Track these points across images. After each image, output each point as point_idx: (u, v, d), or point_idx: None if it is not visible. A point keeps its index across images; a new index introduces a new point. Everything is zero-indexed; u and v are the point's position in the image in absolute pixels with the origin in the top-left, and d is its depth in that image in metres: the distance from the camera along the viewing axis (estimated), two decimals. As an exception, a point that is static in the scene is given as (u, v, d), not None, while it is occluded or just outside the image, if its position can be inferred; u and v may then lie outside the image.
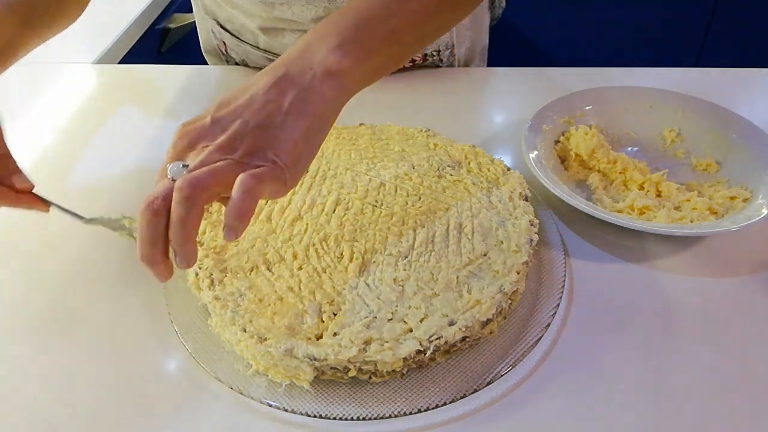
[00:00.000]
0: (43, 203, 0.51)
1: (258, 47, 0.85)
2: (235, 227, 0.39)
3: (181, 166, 0.41)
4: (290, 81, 0.43)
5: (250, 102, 0.42)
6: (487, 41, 0.94)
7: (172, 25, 1.26)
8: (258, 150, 0.41)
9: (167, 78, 0.88)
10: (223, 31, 0.87)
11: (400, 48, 0.49)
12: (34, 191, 0.50)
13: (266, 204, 0.56)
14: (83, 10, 0.63)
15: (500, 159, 0.61)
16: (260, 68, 0.86)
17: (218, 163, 0.40)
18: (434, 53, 0.84)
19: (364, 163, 0.60)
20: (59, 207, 0.51)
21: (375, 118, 0.68)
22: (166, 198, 0.40)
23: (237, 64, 0.91)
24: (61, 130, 0.79)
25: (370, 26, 0.46)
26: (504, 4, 0.98)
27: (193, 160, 0.42)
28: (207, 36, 0.92)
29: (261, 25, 0.80)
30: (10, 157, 0.50)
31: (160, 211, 0.40)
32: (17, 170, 0.50)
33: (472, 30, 0.87)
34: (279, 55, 0.70)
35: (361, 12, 0.46)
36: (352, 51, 0.44)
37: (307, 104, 0.42)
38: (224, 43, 0.89)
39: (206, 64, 0.98)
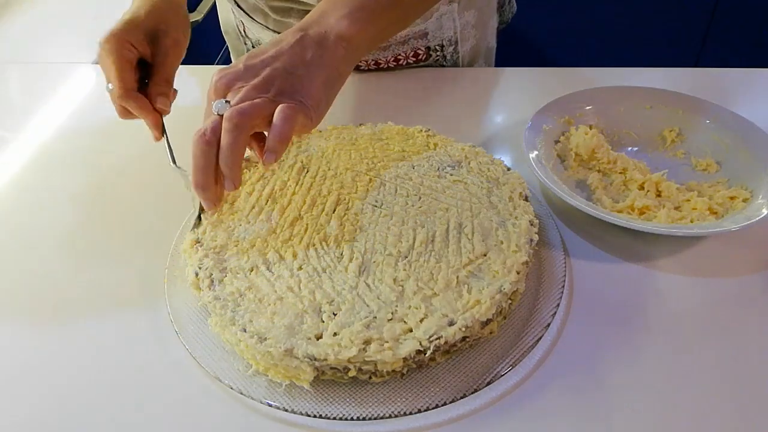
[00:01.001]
0: (160, 132, 0.61)
1: (268, 27, 0.86)
2: (276, 149, 0.46)
3: (224, 102, 0.48)
4: (310, 40, 0.50)
5: (278, 54, 0.50)
6: (495, 43, 0.94)
7: (172, 25, 1.26)
8: (287, 92, 0.48)
9: (167, 78, 0.88)
10: (239, 10, 0.89)
11: (402, 11, 0.57)
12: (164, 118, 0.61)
13: (266, 204, 0.56)
14: None
15: (500, 159, 0.61)
16: None
17: (256, 100, 0.47)
18: (437, 47, 0.84)
19: (364, 163, 0.60)
20: (168, 144, 0.60)
21: (375, 118, 0.68)
22: (215, 129, 0.47)
23: (254, 46, 0.92)
24: (61, 130, 0.79)
25: None
26: (515, 9, 0.98)
27: (231, 98, 0.48)
28: (227, 16, 0.95)
29: (270, 3, 0.82)
30: (170, 84, 0.62)
31: (211, 140, 0.47)
32: (164, 94, 0.60)
33: (477, 29, 0.87)
34: None
35: None
36: (360, 17, 0.52)
37: (324, 59, 0.50)
38: (242, 23, 0.91)
39: (207, 62, 0.98)
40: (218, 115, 0.47)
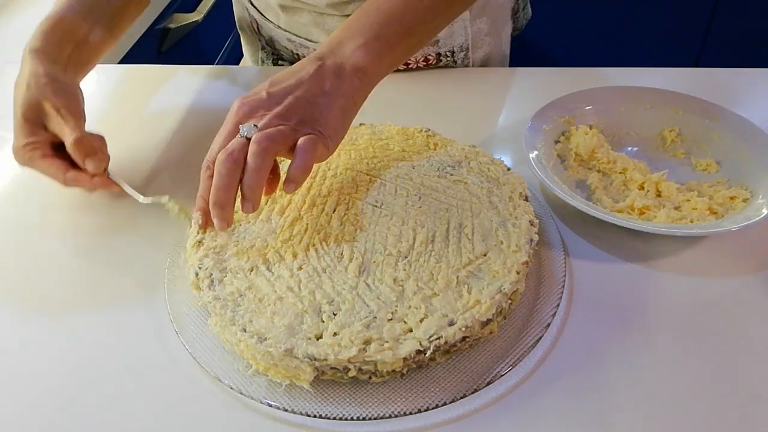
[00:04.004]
0: (116, 185, 0.61)
1: (280, 26, 0.87)
2: (297, 179, 0.49)
3: (252, 125, 0.49)
4: (328, 70, 0.52)
5: (298, 83, 0.52)
6: (509, 51, 0.93)
7: (172, 25, 1.26)
8: (307, 121, 0.50)
9: (167, 78, 0.88)
10: (252, 7, 0.90)
11: (415, 40, 0.59)
12: (110, 175, 0.61)
13: (266, 204, 0.56)
14: (142, 11, 0.74)
15: (500, 159, 0.61)
16: (284, 48, 0.90)
17: (280, 127, 0.49)
18: (448, 53, 0.84)
19: (364, 163, 0.60)
20: (126, 188, 0.62)
21: (375, 118, 0.68)
22: (243, 150, 0.48)
23: (267, 43, 0.94)
24: (61, 130, 0.79)
25: (390, 24, 0.55)
26: (530, 14, 0.97)
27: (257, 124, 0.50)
28: (242, 13, 0.96)
29: (281, 2, 0.83)
30: (84, 139, 0.59)
31: (238, 160, 0.48)
32: (90, 153, 0.59)
33: (491, 36, 0.86)
34: (299, 36, 0.83)
35: (383, 11, 0.56)
36: (375, 48, 0.54)
37: (341, 89, 0.52)
38: (256, 20, 0.92)
39: (206, 62, 0.99)
40: (245, 138, 0.49)
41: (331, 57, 0.53)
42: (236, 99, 0.52)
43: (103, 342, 0.52)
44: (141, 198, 0.61)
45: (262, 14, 0.89)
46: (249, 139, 0.49)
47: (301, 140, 0.49)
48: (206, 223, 0.52)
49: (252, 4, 0.90)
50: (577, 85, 0.71)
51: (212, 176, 0.49)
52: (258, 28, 0.93)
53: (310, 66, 0.52)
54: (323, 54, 0.54)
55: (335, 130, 0.51)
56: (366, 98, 0.55)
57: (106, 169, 0.62)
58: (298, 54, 0.89)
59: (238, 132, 0.50)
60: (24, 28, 1.04)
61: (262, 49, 0.96)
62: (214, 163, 0.49)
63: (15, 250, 0.61)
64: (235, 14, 1.00)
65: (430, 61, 0.85)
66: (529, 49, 1.13)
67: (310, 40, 0.85)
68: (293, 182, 0.49)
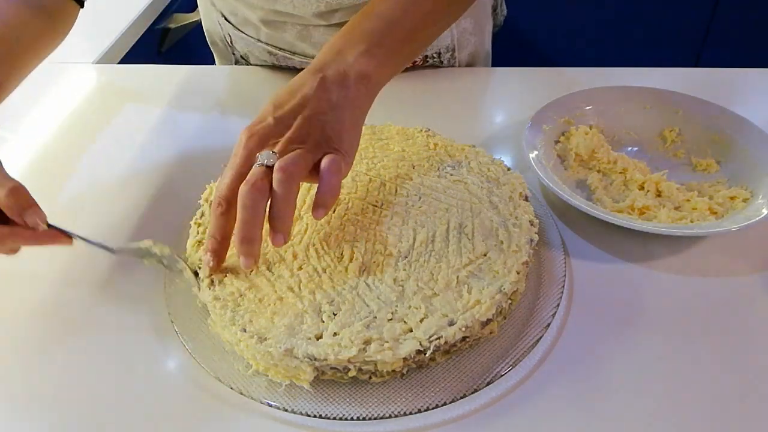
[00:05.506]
0: (66, 236, 0.50)
1: (260, 40, 0.86)
2: (327, 204, 0.46)
3: (272, 153, 0.47)
4: (332, 82, 0.50)
5: (304, 102, 0.49)
6: (490, 47, 0.94)
7: (172, 25, 1.26)
8: (322, 141, 0.48)
9: (167, 78, 0.88)
10: (227, 23, 0.88)
11: (417, 45, 0.58)
12: (52, 224, 0.49)
13: (266, 204, 0.56)
14: (68, 32, 0.68)
15: (500, 159, 0.61)
16: (263, 62, 0.88)
17: (298, 151, 0.47)
18: (435, 55, 0.84)
19: (364, 163, 0.60)
20: (83, 239, 0.51)
21: (375, 118, 0.68)
22: (265, 179, 0.45)
23: (242, 56, 0.92)
24: (61, 130, 0.79)
25: (391, 30, 0.54)
26: (506, 11, 0.98)
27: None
28: (213, 28, 0.93)
29: (263, 17, 0.81)
30: (21, 189, 0.48)
31: (264, 190, 0.45)
32: (29, 204, 0.48)
33: (475, 35, 0.87)
34: (281, 48, 0.79)
35: (383, 17, 0.54)
36: (378, 55, 0.52)
37: (348, 99, 0.50)
38: (230, 35, 0.90)
39: (206, 62, 0.98)
40: (264, 166, 0.46)
41: (333, 66, 0.50)
42: (243, 130, 0.49)
43: (103, 341, 0.52)
44: (111, 250, 0.52)
45: (238, 29, 0.87)
46: (269, 168, 0.46)
47: (324, 162, 0.47)
48: (218, 265, 0.49)
49: (227, 20, 0.87)
50: (577, 85, 0.71)
51: (225, 213, 0.47)
52: (232, 42, 0.90)
53: (311, 81, 0.49)
54: (323, 64, 0.51)
55: (350, 144, 0.50)
56: (371, 105, 0.53)
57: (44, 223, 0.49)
58: (280, 67, 0.87)
59: (251, 163, 0.47)
60: (24, 28, 1.04)
61: (236, 63, 0.94)
62: (226, 199, 0.46)
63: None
64: (204, 28, 0.96)
65: (417, 63, 0.85)
66: (510, 46, 1.14)
67: (294, 53, 0.84)
68: (323, 207, 0.46)
